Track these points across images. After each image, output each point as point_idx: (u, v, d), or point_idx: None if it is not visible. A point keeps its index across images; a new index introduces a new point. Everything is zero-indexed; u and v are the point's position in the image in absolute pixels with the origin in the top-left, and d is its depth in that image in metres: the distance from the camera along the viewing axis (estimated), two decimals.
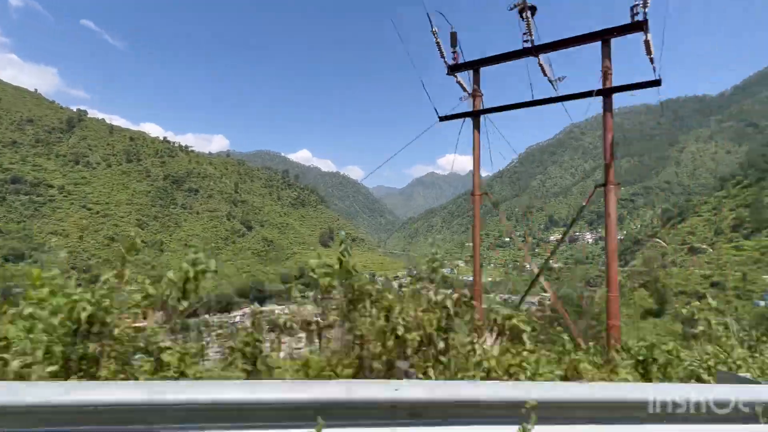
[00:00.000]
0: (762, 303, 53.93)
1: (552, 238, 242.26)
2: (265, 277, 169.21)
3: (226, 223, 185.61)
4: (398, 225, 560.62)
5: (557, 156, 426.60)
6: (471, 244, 12.42)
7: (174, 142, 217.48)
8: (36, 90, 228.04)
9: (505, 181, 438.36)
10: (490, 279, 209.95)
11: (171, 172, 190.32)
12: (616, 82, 9.11)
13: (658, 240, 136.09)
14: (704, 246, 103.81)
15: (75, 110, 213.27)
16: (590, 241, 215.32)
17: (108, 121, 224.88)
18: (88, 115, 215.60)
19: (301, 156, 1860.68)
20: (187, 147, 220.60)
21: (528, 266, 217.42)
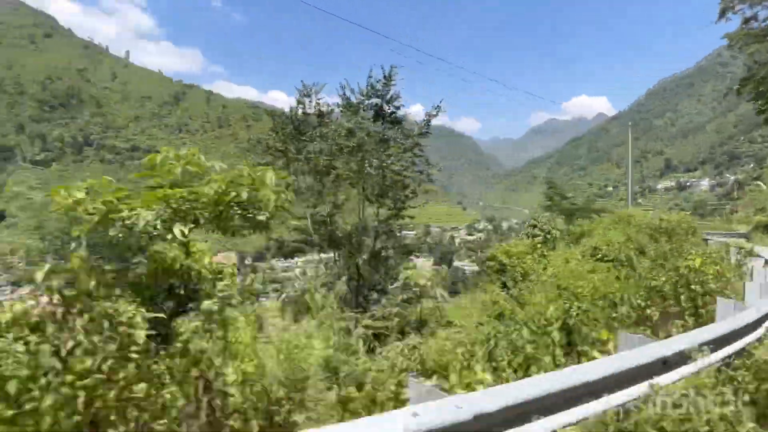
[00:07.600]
0: None
1: (660, 186, 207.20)
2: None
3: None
4: (502, 177, 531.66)
5: (695, 88, 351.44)
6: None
7: (260, 106, 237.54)
8: (159, 71, 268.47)
9: (623, 122, 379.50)
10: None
11: (252, 134, 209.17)
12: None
13: None
14: None
15: (180, 84, 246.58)
16: (705, 188, 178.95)
17: (214, 91, 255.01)
18: (200, 87, 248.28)
19: (412, 111, 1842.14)
20: (271, 110, 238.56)
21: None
